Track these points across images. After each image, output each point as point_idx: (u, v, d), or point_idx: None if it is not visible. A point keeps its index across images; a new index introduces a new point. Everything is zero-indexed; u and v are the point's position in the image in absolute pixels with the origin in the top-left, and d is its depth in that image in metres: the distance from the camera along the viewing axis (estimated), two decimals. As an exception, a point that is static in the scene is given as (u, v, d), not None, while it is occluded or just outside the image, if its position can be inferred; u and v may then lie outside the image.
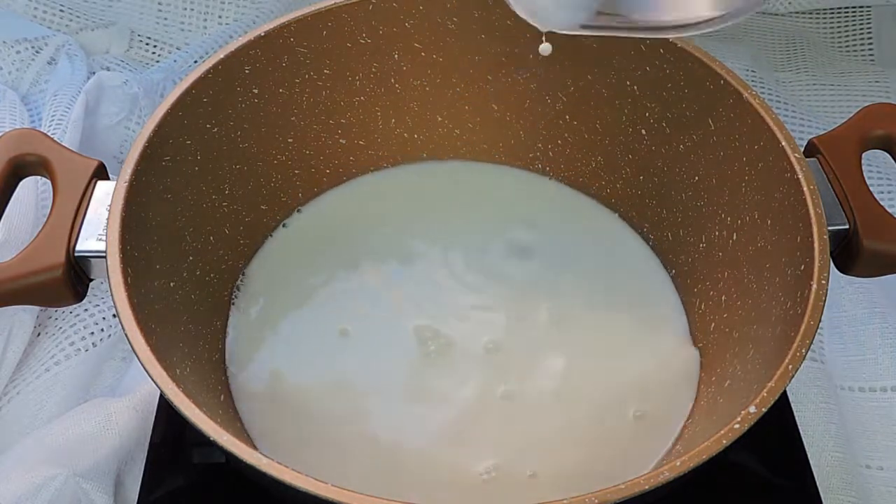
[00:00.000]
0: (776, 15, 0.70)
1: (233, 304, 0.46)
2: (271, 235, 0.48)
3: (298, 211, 0.50)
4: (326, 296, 0.46)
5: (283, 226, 0.49)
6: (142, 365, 0.32)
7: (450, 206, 0.51)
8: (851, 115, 0.42)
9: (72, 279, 0.37)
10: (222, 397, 0.42)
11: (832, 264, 0.38)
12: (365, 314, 0.45)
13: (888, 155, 0.41)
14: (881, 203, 0.39)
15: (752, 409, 0.31)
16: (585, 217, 0.50)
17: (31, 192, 0.50)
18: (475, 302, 0.46)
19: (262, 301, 0.46)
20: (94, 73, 0.60)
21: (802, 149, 0.40)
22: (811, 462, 0.43)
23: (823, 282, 0.35)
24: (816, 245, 0.36)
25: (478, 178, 0.51)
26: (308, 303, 0.46)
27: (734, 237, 0.43)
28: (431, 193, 0.51)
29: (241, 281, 0.47)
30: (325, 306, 0.46)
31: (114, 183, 0.38)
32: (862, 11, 0.69)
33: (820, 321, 0.34)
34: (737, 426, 0.31)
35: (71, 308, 0.50)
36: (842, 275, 0.40)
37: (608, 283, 0.47)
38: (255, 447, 0.38)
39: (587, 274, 0.47)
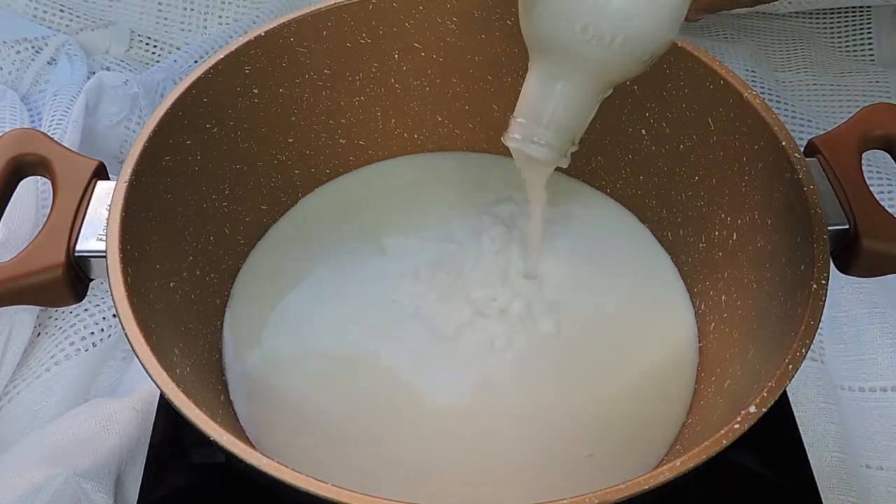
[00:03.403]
0: (776, 15, 0.70)
1: (230, 303, 0.46)
2: (264, 235, 0.49)
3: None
4: (325, 292, 0.46)
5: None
6: (142, 365, 0.32)
7: (450, 193, 0.50)
8: (851, 115, 0.42)
9: (72, 279, 0.37)
10: (222, 397, 0.42)
11: (832, 264, 0.38)
12: (365, 311, 0.45)
13: (888, 155, 0.41)
14: (881, 203, 0.39)
15: (752, 409, 0.31)
16: (589, 205, 0.50)
17: (31, 192, 0.50)
18: (478, 292, 0.46)
19: (258, 299, 0.46)
20: (94, 73, 0.60)
21: (802, 149, 0.40)
22: (811, 462, 0.43)
23: (823, 282, 0.35)
24: (816, 245, 0.36)
25: (479, 166, 0.52)
26: (306, 299, 0.46)
27: (734, 237, 0.43)
28: (431, 183, 0.51)
29: (238, 280, 0.47)
30: (323, 303, 0.46)
31: (114, 183, 0.38)
32: (862, 11, 0.69)
33: (820, 321, 0.34)
34: (737, 426, 0.31)
35: (71, 308, 0.50)
36: (842, 275, 0.40)
37: (613, 273, 0.47)
38: (254, 447, 0.38)
39: (591, 262, 0.47)
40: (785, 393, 0.38)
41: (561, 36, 0.35)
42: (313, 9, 0.45)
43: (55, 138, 0.42)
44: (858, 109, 0.42)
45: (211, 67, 0.42)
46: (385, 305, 0.45)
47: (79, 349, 0.49)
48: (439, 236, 0.48)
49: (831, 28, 0.70)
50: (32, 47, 0.62)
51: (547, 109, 0.37)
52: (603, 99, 0.38)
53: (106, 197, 0.38)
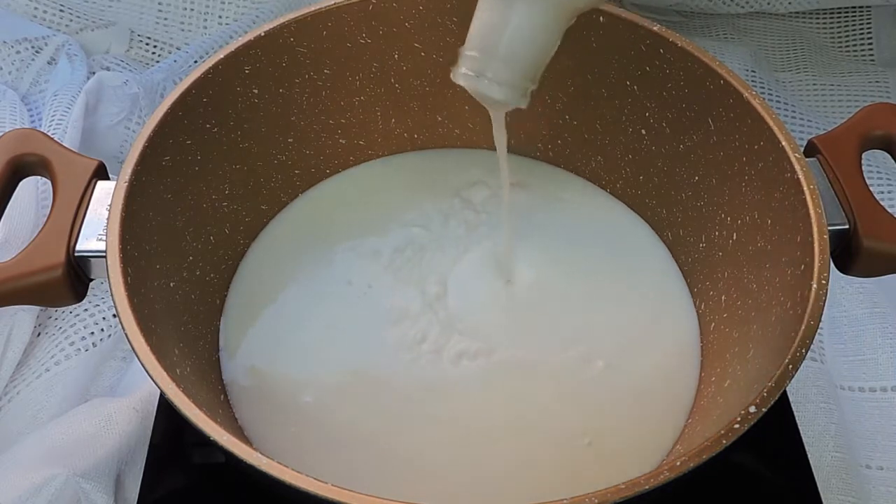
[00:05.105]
0: (776, 15, 0.70)
1: (227, 303, 0.46)
2: (259, 234, 0.48)
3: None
4: (324, 291, 0.46)
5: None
6: (142, 365, 0.32)
7: (446, 190, 0.50)
8: (851, 115, 0.42)
9: (72, 279, 0.37)
10: (222, 397, 0.42)
11: (832, 264, 0.38)
12: (363, 309, 0.45)
13: (888, 155, 0.41)
14: (881, 203, 0.39)
15: (752, 409, 0.31)
16: (587, 200, 0.50)
17: (31, 192, 0.50)
18: (478, 291, 0.46)
19: (249, 299, 0.46)
20: (94, 73, 0.60)
21: (802, 149, 0.40)
22: (811, 462, 0.43)
23: (823, 282, 0.35)
24: (816, 245, 0.36)
25: (478, 163, 0.51)
26: (288, 297, 0.46)
27: (734, 237, 0.43)
28: (428, 180, 0.51)
29: (234, 280, 0.47)
30: (322, 302, 0.46)
31: (114, 183, 0.38)
32: (862, 12, 0.69)
33: (820, 321, 0.34)
34: (737, 426, 0.31)
35: (71, 308, 0.50)
36: (842, 275, 0.40)
37: (616, 271, 0.47)
38: (254, 447, 0.38)
39: (590, 260, 0.47)
40: (785, 393, 0.38)
41: None
42: (313, 9, 0.45)
43: (55, 138, 0.42)
44: (858, 109, 0.42)
45: (211, 67, 0.42)
46: (341, 288, 0.46)
47: (79, 349, 0.49)
48: (408, 221, 0.48)
49: (831, 28, 0.70)
50: (32, 47, 0.62)
51: (503, 39, 0.33)
52: (565, 30, 0.33)
53: (106, 197, 0.38)
